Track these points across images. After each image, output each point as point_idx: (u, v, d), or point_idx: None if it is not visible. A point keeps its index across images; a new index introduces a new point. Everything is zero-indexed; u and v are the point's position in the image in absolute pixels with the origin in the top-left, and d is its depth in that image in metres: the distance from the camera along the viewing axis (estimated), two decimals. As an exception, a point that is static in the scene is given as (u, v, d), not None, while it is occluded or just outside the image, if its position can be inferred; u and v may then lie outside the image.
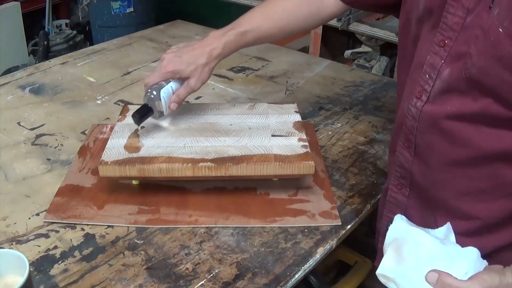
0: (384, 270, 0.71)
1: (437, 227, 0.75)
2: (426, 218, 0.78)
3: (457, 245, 0.72)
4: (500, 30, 0.61)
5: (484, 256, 0.70)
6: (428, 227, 0.75)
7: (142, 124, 0.99)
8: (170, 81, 1.00)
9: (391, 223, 0.78)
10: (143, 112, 0.97)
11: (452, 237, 0.73)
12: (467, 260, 0.68)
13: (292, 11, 1.00)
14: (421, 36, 0.74)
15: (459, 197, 0.74)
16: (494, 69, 0.63)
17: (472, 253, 0.69)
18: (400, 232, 0.74)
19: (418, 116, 0.74)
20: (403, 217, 0.77)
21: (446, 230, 0.74)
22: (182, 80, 1.00)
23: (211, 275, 0.79)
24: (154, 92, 0.98)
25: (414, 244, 0.72)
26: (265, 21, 1.01)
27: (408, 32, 0.77)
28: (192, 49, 0.99)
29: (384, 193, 0.87)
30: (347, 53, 1.98)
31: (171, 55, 1.00)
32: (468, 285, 0.65)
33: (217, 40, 0.98)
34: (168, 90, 0.99)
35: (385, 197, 0.85)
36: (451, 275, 0.66)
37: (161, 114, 1.00)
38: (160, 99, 0.98)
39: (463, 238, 0.73)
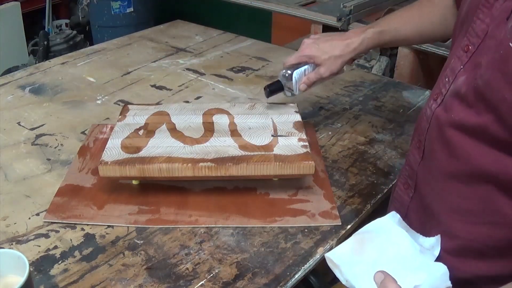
0: (333, 255, 0.71)
1: (428, 237, 0.74)
2: (424, 225, 0.77)
3: (433, 258, 0.70)
4: (510, 44, 0.59)
5: (465, 282, 0.68)
6: (423, 235, 0.75)
7: (140, 126, 0.99)
8: (306, 65, 1.06)
9: None
10: (275, 88, 1.07)
11: (437, 251, 0.72)
12: (426, 274, 0.67)
13: (428, 15, 1.00)
14: (456, 41, 0.73)
15: (449, 213, 0.73)
16: (498, 84, 0.61)
17: (438, 269, 0.68)
18: (381, 228, 0.73)
19: (430, 119, 0.73)
20: (397, 215, 0.76)
21: (434, 242, 0.73)
22: (316, 65, 1.06)
23: (211, 275, 0.79)
24: (289, 71, 1.06)
25: (386, 242, 0.71)
26: (403, 24, 1.03)
27: (453, 39, 0.77)
28: (331, 39, 1.05)
29: (393, 189, 0.87)
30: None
31: (310, 41, 1.06)
32: None
33: (355, 35, 1.03)
34: (300, 72, 1.06)
35: (393, 194, 0.85)
36: (395, 282, 0.63)
37: (292, 93, 1.08)
38: (292, 79, 1.05)
39: (447, 256, 0.72)
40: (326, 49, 1.03)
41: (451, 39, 0.82)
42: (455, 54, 0.71)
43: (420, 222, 0.78)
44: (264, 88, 1.08)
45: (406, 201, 0.82)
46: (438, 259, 0.71)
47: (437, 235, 0.73)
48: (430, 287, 0.66)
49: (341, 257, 0.71)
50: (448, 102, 0.70)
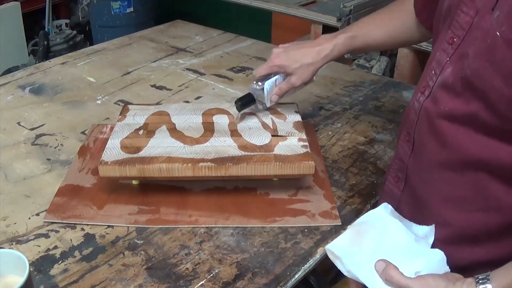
0: (334, 247, 0.72)
1: (444, 230, 0.74)
2: (416, 217, 0.78)
3: (429, 246, 0.72)
4: (498, 34, 0.60)
5: (462, 269, 0.69)
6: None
7: (141, 124, 0.99)
8: (277, 75, 1.04)
9: None
10: (246, 101, 1.04)
11: (431, 239, 0.73)
12: (425, 260, 0.68)
13: (399, 19, 1.00)
14: (439, 35, 0.75)
15: (442, 203, 0.74)
16: (486, 73, 0.62)
17: (435, 255, 0.69)
18: (375, 219, 0.74)
19: (419, 111, 0.75)
20: (389, 206, 0.77)
21: (428, 231, 0.74)
22: (286, 75, 1.04)
23: (211, 275, 0.79)
24: (259, 83, 1.04)
25: (382, 233, 0.72)
26: (374, 28, 1.02)
27: (435, 34, 0.78)
28: (301, 47, 1.03)
29: (383, 183, 0.88)
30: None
31: (279, 50, 1.04)
32: (408, 282, 0.65)
33: (326, 41, 1.02)
34: (271, 82, 1.04)
35: (383, 188, 0.86)
36: (397, 269, 0.66)
37: (263, 106, 1.06)
38: (264, 91, 1.03)
39: (442, 245, 0.72)
40: (297, 58, 1.02)
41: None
42: (440, 47, 0.72)
43: (412, 214, 0.79)
44: (235, 102, 1.04)
45: (397, 194, 0.82)
46: (433, 248, 0.72)
47: (429, 225, 0.74)
48: (430, 272, 0.67)
49: (341, 249, 0.72)
50: (436, 94, 0.72)
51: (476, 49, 0.64)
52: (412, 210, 0.79)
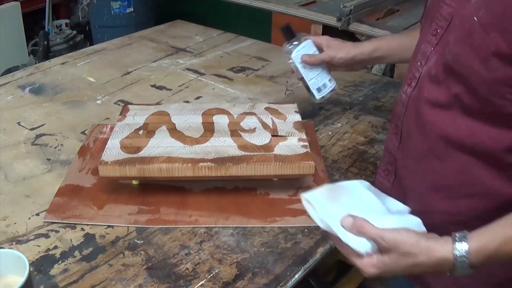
0: (310, 196, 0.71)
1: (428, 217, 0.74)
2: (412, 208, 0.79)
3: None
4: (475, 18, 0.63)
5: None
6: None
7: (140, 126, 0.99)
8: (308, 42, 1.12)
9: None
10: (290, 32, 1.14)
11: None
12: (398, 220, 0.67)
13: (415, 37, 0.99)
14: (423, 29, 0.77)
15: (429, 192, 0.75)
16: (466, 56, 0.65)
17: (411, 219, 0.68)
18: (352, 187, 0.74)
19: (406, 103, 0.77)
20: (366, 182, 0.75)
21: (402, 209, 0.72)
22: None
23: (211, 275, 0.79)
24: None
25: (357, 198, 0.71)
26: (392, 42, 1.09)
27: (421, 30, 0.81)
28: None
29: (375, 178, 0.88)
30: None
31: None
32: (379, 232, 0.64)
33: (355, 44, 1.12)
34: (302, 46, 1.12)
35: (375, 182, 0.87)
36: (368, 222, 0.64)
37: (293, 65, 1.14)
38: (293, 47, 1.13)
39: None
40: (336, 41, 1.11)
41: None
42: (424, 39, 0.75)
43: (403, 200, 0.79)
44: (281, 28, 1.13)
45: (387, 187, 0.84)
46: None
47: (418, 215, 0.72)
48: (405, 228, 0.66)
49: (317, 199, 0.71)
50: (421, 84, 0.74)
51: (456, 35, 0.67)
52: (403, 202, 0.79)
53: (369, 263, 0.65)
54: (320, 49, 1.11)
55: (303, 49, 1.10)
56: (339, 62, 1.09)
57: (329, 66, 1.12)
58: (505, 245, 0.61)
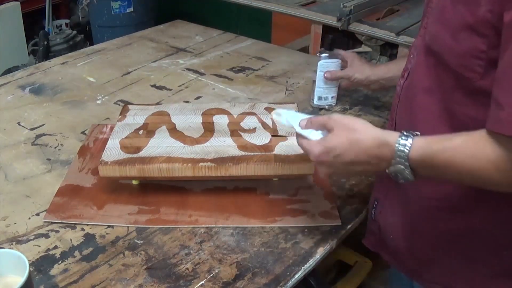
0: (278, 110, 0.84)
1: (409, 207, 0.78)
2: (401, 197, 0.80)
3: None
4: None
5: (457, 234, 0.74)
6: (404, 210, 0.80)
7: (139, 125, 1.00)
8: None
9: (377, 202, 0.85)
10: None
11: None
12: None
13: None
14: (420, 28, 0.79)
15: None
16: (440, 34, 0.67)
17: None
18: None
19: (400, 94, 0.79)
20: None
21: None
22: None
23: (211, 275, 0.79)
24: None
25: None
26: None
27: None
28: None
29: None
30: (347, 53, 1.98)
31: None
32: (329, 115, 0.72)
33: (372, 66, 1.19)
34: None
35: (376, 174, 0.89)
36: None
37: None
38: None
39: (435, 212, 0.75)
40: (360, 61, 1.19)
41: None
42: (418, 34, 0.77)
43: (398, 200, 0.81)
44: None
45: (386, 179, 0.83)
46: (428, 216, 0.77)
47: (413, 202, 0.78)
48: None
49: (284, 111, 0.84)
50: (413, 74, 0.76)
51: (433, 16, 0.70)
52: (398, 191, 0.81)
53: (315, 142, 0.73)
54: (344, 62, 1.22)
55: (332, 64, 1.21)
56: (354, 81, 1.18)
57: (347, 83, 1.22)
58: (442, 153, 0.63)
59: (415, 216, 0.78)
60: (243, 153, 0.93)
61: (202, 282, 0.78)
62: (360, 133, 0.68)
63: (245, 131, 1.01)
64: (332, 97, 1.26)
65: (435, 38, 0.69)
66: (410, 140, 0.65)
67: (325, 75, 1.21)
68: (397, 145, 0.65)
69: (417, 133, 0.66)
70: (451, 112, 0.69)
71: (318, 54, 1.24)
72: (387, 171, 0.68)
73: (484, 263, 0.74)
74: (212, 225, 0.89)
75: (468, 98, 0.66)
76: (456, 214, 0.74)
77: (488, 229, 0.71)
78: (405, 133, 0.66)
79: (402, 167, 0.66)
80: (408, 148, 0.65)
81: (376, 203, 0.86)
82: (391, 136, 0.67)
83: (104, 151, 0.94)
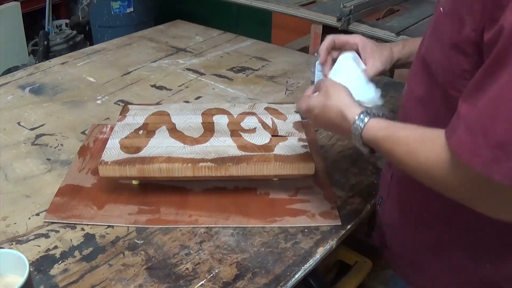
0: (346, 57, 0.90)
1: (412, 213, 0.79)
2: (400, 196, 0.81)
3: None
4: (441, 9, 0.65)
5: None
6: (405, 212, 0.80)
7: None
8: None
9: (381, 200, 0.86)
10: None
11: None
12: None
13: None
14: None
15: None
16: (433, 47, 0.67)
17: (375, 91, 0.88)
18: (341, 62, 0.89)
19: (402, 101, 0.80)
20: (354, 54, 0.92)
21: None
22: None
23: (211, 275, 0.79)
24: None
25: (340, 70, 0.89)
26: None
27: None
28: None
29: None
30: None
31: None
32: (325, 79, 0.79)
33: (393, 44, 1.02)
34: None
35: (380, 177, 0.90)
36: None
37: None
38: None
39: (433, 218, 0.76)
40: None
41: None
42: (421, 40, 0.77)
43: (399, 201, 0.82)
44: None
45: (388, 180, 0.85)
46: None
47: (412, 202, 0.78)
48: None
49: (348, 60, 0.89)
50: (409, 80, 0.77)
51: (430, 29, 0.69)
52: (399, 191, 0.82)
53: (306, 98, 0.80)
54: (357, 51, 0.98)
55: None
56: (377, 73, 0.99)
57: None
58: (384, 142, 0.67)
59: (408, 220, 0.79)
60: (243, 153, 0.93)
61: (202, 282, 0.78)
62: (330, 100, 0.75)
63: (245, 131, 1.01)
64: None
65: (428, 50, 0.69)
66: (366, 119, 0.69)
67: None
68: (353, 123, 0.70)
69: (382, 113, 0.71)
70: (440, 125, 0.69)
71: (315, 54, 1.22)
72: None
73: (468, 273, 0.74)
74: (212, 225, 0.89)
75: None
76: (439, 222, 0.75)
77: (470, 241, 0.72)
78: (366, 111, 0.70)
79: (358, 143, 0.71)
80: (361, 128, 0.70)
81: (381, 199, 0.87)
82: (352, 112, 0.72)
83: (104, 151, 0.94)
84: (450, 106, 0.64)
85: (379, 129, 0.68)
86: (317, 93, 0.79)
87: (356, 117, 0.70)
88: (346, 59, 0.90)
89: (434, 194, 0.72)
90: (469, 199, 0.60)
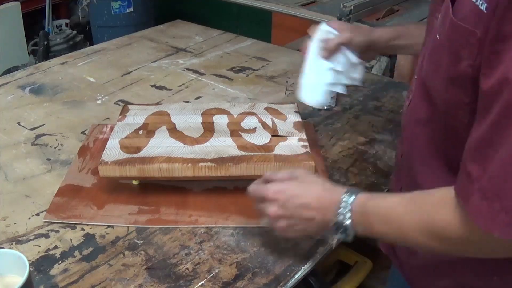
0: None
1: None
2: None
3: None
4: (437, 36, 0.63)
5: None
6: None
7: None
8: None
9: None
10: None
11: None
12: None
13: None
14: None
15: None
16: (432, 75, 0.66)
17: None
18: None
19: (405, 116, 0.79)
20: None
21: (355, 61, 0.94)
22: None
23: (211, 275, 0.79)
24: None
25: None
26: (414, 31, 0.97)
27: None
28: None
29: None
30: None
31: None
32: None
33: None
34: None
35: (389, 188, 0.90)
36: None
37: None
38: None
39: None
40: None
41: None
42: (420, 55, 0.76)
43: None
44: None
45: (397, 192, 0.84)
46: None
47: None
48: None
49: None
50: (413, 98, 0.75)
51: (428, 51, 0.67)
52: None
53: (271, 184, 0.76)
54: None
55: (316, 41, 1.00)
56: (357, 45, 0.97)
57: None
58: (372, 226, 0.67)
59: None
60: (243, 153, 0.93)
61: (202, 282, 0.78)
62: (307, 183, 0.74)
63: (245, 131, 1.01)
64: (331, 97, 1.24)
65: (428, 77, 0.68)
66: (353, 196, 0.69)
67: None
68: (342, 197, 0.69)
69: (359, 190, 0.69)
70: (441, 146, 0.69)
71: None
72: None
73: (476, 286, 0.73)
74: (212, 225, 0.89)
75: (457, 142, 0.64)
76: None
77: (479, 259, 0.71)
78: (348, 192, 0.69)
79: (345, 221, 0.68)
80: (351, 202, 0.68)
81: None
82: (338, 189, 0.71)
83: (104, 151, 0.94)
84: (453, 129, 0.64)
85: (369, 205, 0.67)
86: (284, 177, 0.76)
87: (344, 195, 0.69)
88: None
89: None
90: (475, 254, 0.62)
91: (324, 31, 0.99)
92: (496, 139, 0.52)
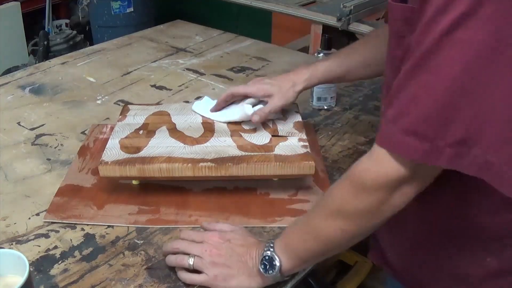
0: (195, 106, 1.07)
1: (405, 227, 0.77)
2: (399, 228, 0.79)
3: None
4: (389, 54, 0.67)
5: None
6: (401, 229, 0.78)
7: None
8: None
9: None
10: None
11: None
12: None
13: (376, 50, 0.95)
14: None
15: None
16: (387, 65, 0.69)
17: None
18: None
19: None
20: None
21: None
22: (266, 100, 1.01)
23: (211, 275, 0.79)
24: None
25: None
26: (353, 58, 0.99)
27: None
28: (279, 76, 1.03)
29: None
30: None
31: (258, 79, 1.06)
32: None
33: (305, 68, 1.01)
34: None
35: None
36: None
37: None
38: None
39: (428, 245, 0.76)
40: (276, 83, 1.00)
41: None
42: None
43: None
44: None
45: None
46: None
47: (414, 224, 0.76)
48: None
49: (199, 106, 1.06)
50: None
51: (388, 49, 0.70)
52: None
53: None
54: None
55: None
56: (275, 111, 1.01)
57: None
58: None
59: (408, 237, 0.78)
60: (243, 153, 0.93)
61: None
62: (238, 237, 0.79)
63: (245, 131, 1.01)
64: (331, 97, 1.25)
65: (385, 69, 0.70)
66: (272, 249, 0.74)
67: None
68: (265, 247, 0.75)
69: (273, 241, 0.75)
70: None
71: (316, 54, 1.22)
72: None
73: (475, 277, 0.73)
74: (212, 225, 0.89)
75: None
76: (435, 246, 0.74)
77: (473, 250, 0.71)
78: (268, 246, 0.74)
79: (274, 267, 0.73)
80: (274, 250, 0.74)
81: None
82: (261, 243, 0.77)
83: (104, 151, 0.94)
84: None
85: (286, 231, 0.75)
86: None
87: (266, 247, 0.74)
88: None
89: (430, 217, 0.72)
90: (389, 206, 0.65)
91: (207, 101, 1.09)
92: (408, 83, 0.57)
